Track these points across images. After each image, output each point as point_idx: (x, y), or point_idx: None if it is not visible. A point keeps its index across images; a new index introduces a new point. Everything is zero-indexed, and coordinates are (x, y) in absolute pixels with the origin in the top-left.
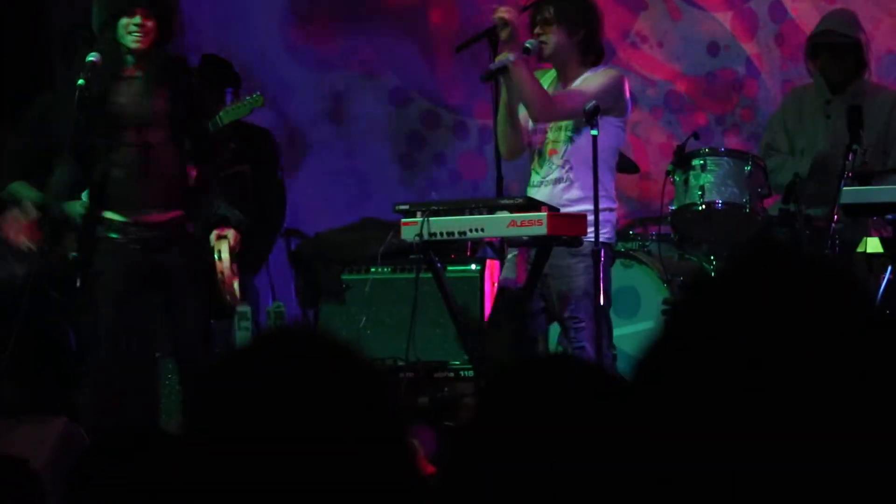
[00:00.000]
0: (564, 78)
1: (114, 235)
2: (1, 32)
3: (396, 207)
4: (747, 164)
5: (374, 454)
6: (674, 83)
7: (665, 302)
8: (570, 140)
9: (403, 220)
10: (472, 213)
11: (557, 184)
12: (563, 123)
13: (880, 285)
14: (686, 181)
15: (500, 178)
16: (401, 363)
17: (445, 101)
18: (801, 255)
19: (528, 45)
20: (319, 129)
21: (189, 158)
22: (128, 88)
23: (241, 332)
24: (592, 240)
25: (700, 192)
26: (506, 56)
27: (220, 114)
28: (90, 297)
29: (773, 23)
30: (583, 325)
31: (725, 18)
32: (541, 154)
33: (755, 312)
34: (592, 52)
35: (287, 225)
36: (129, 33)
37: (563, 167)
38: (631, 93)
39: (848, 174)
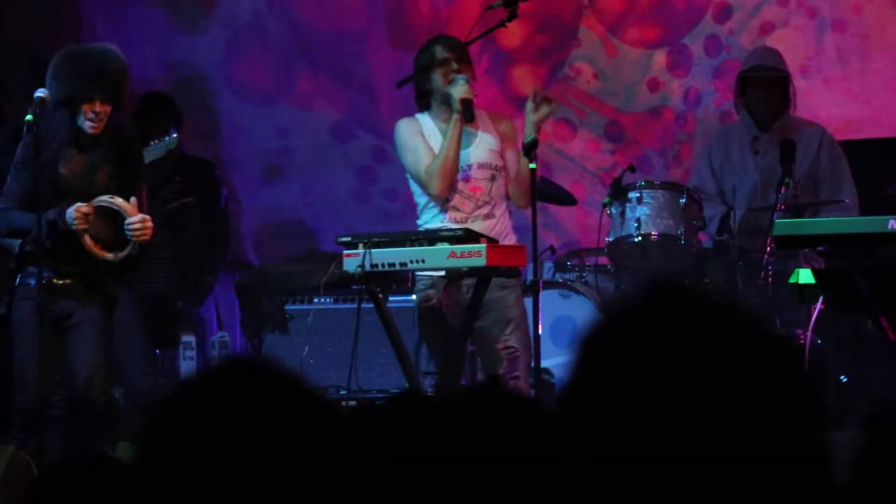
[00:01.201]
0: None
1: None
2: None
3: (339, 239)
4: (682, 197)
5: (330, 486)
6: (610, 117)
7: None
8: (493, 179)
9: (346, 251)
10: (412, 245)
11: (487, 219)
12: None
13: (812, 315)
14: (623, 213)
15: None
16: (343, 392)
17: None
18: (692, 290)
19: (463, 78)
20: (268, 162)
21: None
22: (73, 162)
23: (186, 362)
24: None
25: (636, 224)
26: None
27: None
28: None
29: (708, 58)
30: (517, 354)
31: (662, 55)
32: (460, 192)
33: (651, 347)
34: None
35: (234, 257)
36: (87, 119)
37: (488, 204)
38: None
39: (780, 207)
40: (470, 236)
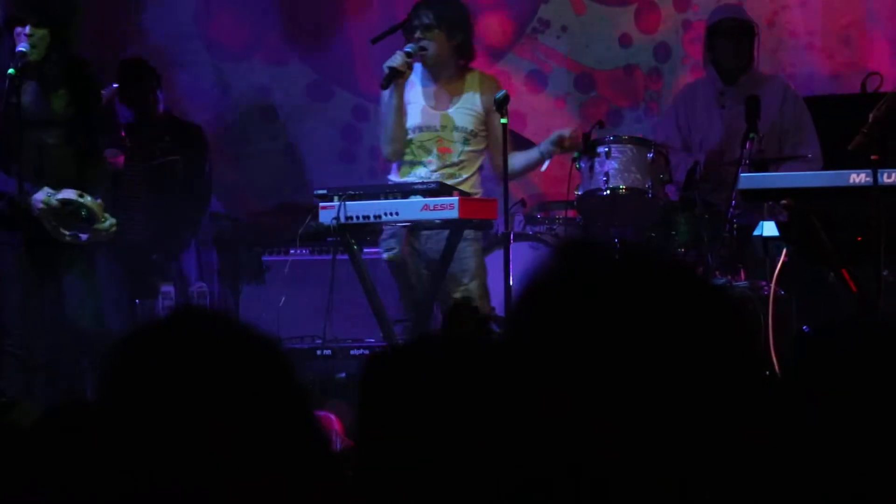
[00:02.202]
0: (438, 79)
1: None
2: None
3: (315, 192)
4: (650, 152)
5: (277, 428)
6: (580, 73)
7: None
8: (465, 142)
9: (321, 204)
10: (386, 198)
11: (450, 179)
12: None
13: (776, 266)
14: (591, 167)
15: None
16: (319, 341)
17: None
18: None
19: (408, 49)
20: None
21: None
22: (24, 90)
23: (165, 312)
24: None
25: (605, 178)
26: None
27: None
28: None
29: (677, 13)
30: (473, 302)
31: (630, 12)
32: (427, 149)
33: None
34: (466, 56)
35: (213, 209)
36: (20, 42)
37: (456, 165)
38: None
39: (745, 161)
40: (443, 189)
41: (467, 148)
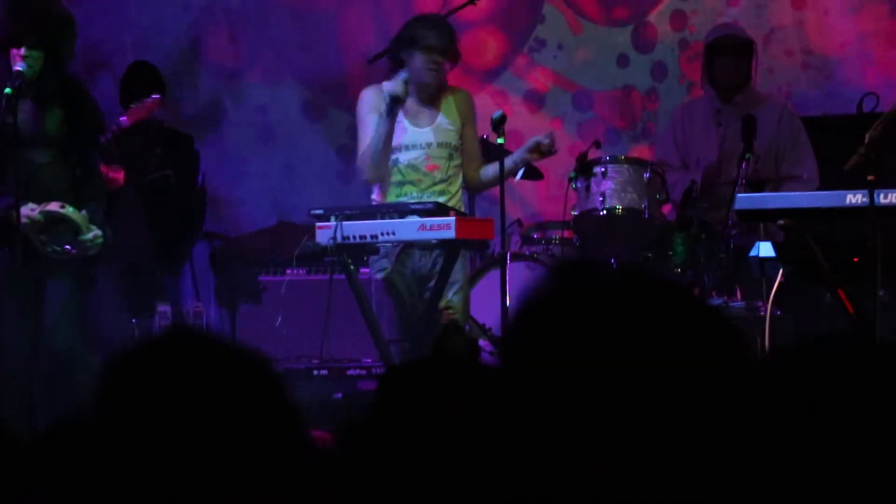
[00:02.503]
0: (421, 97)
1: None
2: None
3: (311, 212)
4: (646, 172)
5: (270, 448)
6: (577, 93)
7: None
8: (450, 157)
9: (318, 223)
10: (383, 218)
11: (440, 196)
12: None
13: (772, 287)
14: (588, 187)
15: None
16: (315, 361)
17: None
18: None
19: (405, 76)
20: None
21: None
22: (19, 109)
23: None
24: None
25: (601, 198)
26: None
27: (122, 119)
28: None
29: (674, 32)
30: (455, 314)
31: (627, 31)
32: (417, 168)
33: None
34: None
35: (210, 229)
36: (16, 62)
37: (444, 181)
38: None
39: (742, 181)
40: (439, 209)
41: (452, 163)
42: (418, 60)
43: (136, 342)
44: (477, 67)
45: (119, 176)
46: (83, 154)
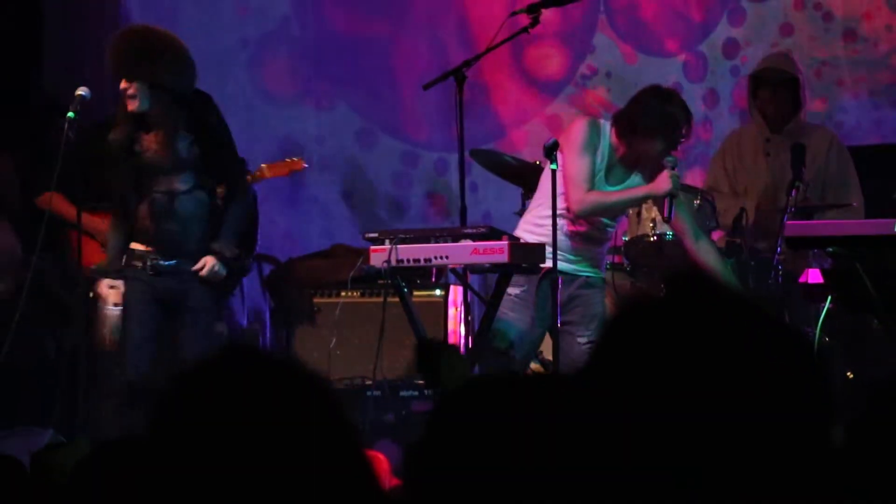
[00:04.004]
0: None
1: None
2: None
3: (366, 235)
4: (696, 198)
5: (328, 466)
6: None
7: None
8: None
9: (372, 247)
10: (437, 241)
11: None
12: None
13: (820, 313)
14: (639, 213)
15: (463, 209)
16: (368, 382)
17: (411, 137)
18: (718, 284)
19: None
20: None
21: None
22: (146, 141)
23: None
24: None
25: (652, 224)
26: None
27: (263, 166)
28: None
29: (726, 60)
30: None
31: (679, 62)
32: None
33: (672, 333)
34: None
35: (263, 251)
36: (121, 98)
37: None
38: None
39: (791, 209)
40: (492, 233)
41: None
42: (660, 143)
43: (194, 361)
44: (539, 82)
45: None
46: (218, 159)
